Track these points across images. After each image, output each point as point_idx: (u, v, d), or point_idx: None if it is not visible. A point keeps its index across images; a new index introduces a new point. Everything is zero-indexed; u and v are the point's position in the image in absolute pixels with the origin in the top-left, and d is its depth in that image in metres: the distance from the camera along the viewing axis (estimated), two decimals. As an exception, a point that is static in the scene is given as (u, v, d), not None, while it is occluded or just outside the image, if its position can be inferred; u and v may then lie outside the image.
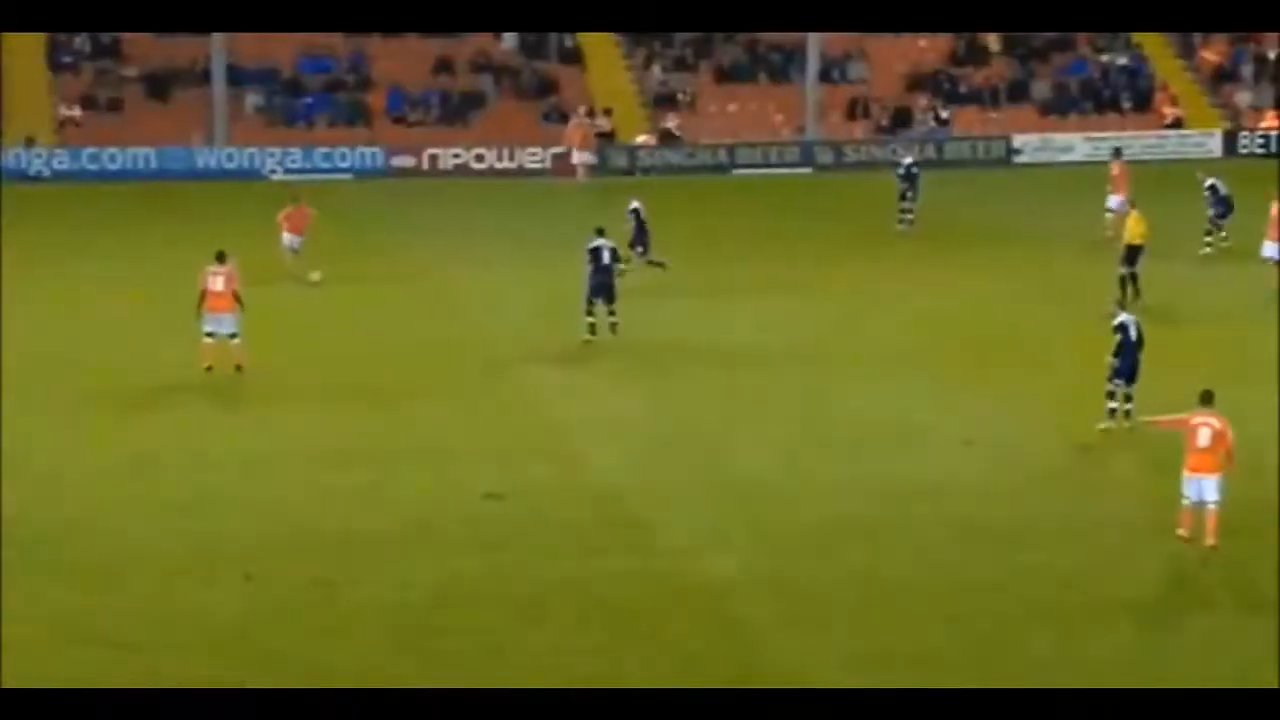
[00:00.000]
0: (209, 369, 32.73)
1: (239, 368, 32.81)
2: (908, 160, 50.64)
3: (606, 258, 35.55)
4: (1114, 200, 47.68)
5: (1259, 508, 24.88)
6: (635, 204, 42.12)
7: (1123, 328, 29.06)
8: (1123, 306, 30.09)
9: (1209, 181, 45.37)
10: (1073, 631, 21.11)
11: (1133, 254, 38.90)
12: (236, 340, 32.85)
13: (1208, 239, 44.53)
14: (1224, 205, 44.68)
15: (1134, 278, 38.46)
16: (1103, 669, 19.91)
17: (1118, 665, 20.15)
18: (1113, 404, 28.97)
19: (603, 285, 35.36)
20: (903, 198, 49.31)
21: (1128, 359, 28.85)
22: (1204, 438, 23.52)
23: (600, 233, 36.20)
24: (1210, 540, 23.36)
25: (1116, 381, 28.80)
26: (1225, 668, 19.97)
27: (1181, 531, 23.58)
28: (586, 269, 35.53)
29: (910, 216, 49.13)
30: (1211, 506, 23.44)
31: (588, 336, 35.28)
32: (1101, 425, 28.87)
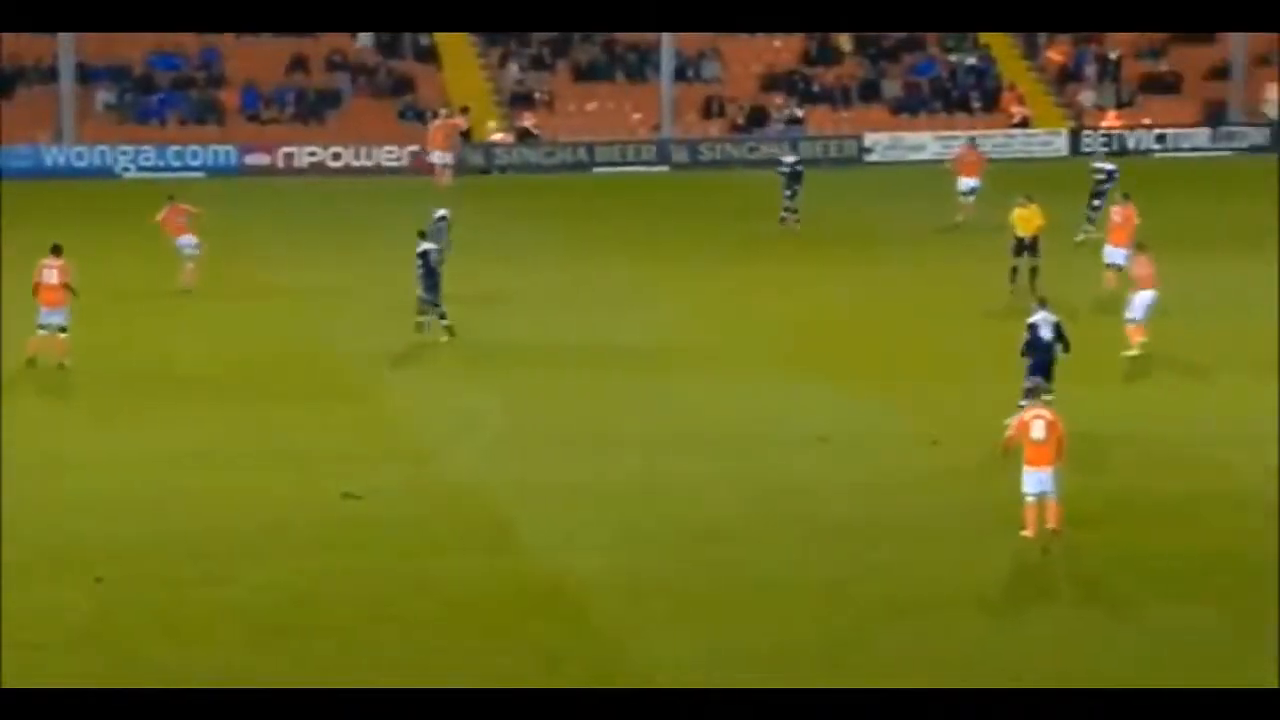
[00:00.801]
0: (31, 362, 32.74)
1: (62, 365, 32.83)
2: (791, 159, 51.18)
3: (434, 259, 35.88)
4: (965, 183, 49.13)
5: (1098, 501, 25.51)
6: (442, 212, 41.38)
7: (1033, 326, 29.26)
8: (1044, 303, 29.91)
9: (1104, 166, 45.98)
10: (926, 627, 21.53)
11: (1022, 246, 39.32)
12: (64, 335, 32.94)
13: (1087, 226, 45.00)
14: (1102, 190, 45.32)
15: (1034, 272, 38.79)
16: (953, 664, 20.35)
17: (968, 660, 20.57)
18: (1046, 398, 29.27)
19: (433, 287, 35.71)
20: (787, 196, 49.76)
21: (1040, 357, 28.88)
22: (1039, 430, 24.09)
23: (423, 236, 36.75)
24: (1052, 525, 23.93)
25: (1034, 379, 28.14)
26: (1071, 660, 20.49)
27: (1026, 532, 24.07)
28: (417, 272, 35.79)
29: (795, 215, 49.56)
30: (1047, 498, 24.01)
31: (424, 335, 35.54)
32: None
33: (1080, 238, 43.95)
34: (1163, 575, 23.11)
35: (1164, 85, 69.70)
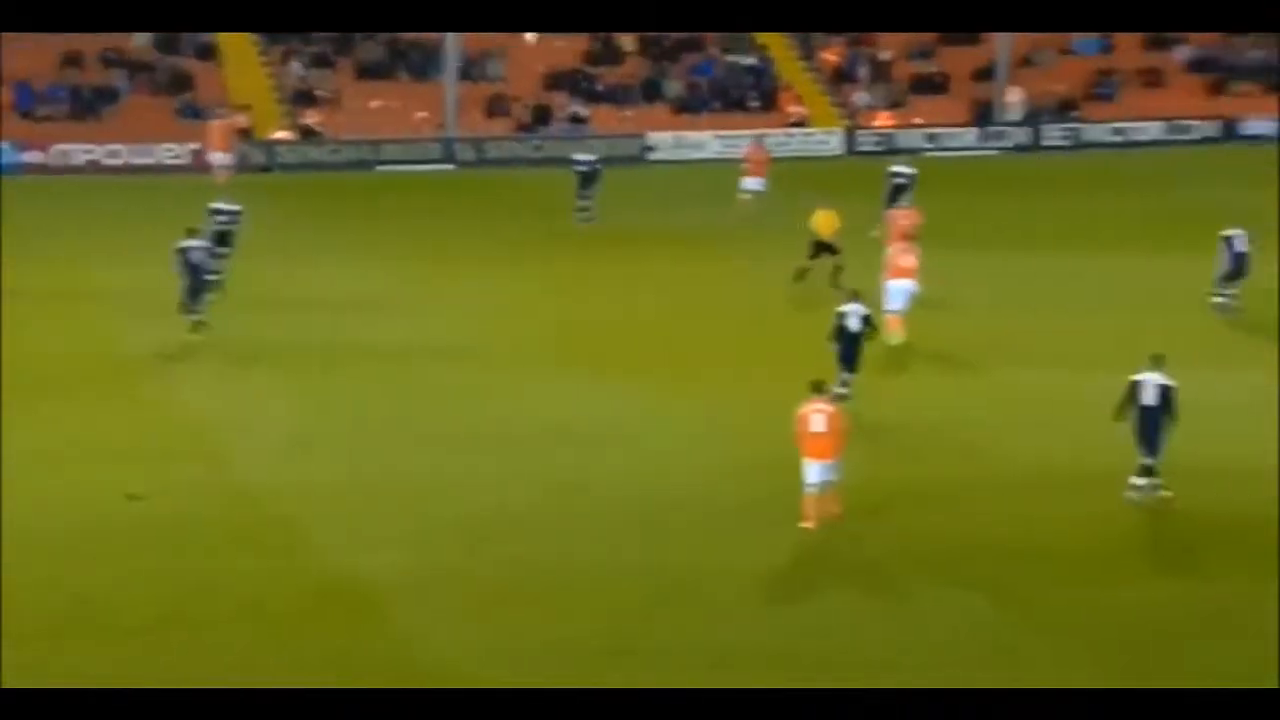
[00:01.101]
0: None
1: None
2: (589, 158, 51.74)
3: (196, 257, 35.91)
4: (750, 182, 50.51)
5: (878, 489, 26.30)
6: (232, 208, 41.44)
7: (842, 315, 30.26)
8: (856, 296, 30.85)
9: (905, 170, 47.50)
10: (706, 617, 22.04)
11: (820, 247, 40.14)
12: None
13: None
14: (898, 192, 46.55)
15: (837, 269, 39.37)
16: (734, 651, 20.92)
17: (748, 646, 21.14)
18: (841, 390, 29.82)
19: (195, 287, 35.72)
20: (581, 195, 50.16)
21: (847, 347, 29.98)
22: (818, 423, 24.80)
23: (192, 233, 36.71)
24: (835, 509, 24.76)
25: (843, 372, 29.95)
26: (843, 646, 21.22)
27: (806, 524, 24.80)
28: (179, 269, 35.77)
29: (590, 214, 50.04)
30: (828, 488, 24.80)
31: (193, 336, 35.55)
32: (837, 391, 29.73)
33: (876, 233, 45.31)
34: (936, 561, 23.87)
35: (933, 86, 71.51)
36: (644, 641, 21.37)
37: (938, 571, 23.58)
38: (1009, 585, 23.05)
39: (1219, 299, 37.51)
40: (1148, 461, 25.74)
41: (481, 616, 22.06)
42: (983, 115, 69.87)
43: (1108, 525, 25.04)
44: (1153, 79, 71.84)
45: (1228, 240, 37.65)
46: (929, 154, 65.11)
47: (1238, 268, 37.35)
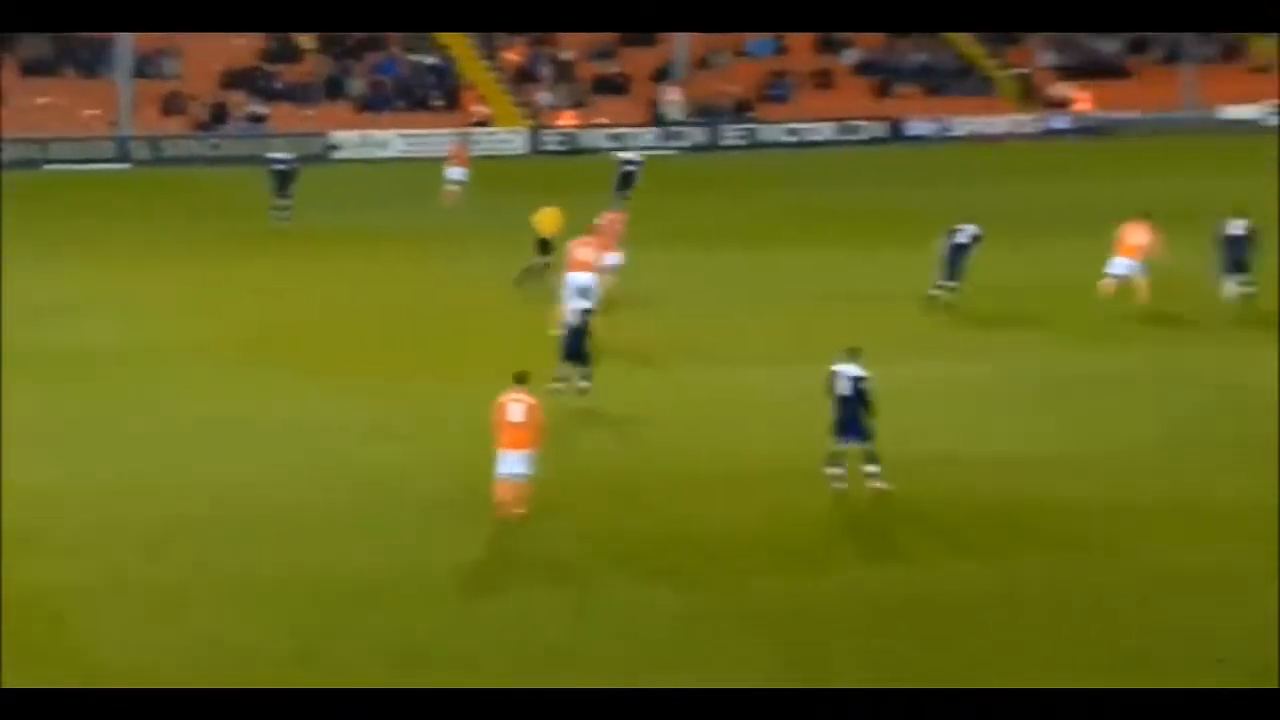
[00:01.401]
0: None
1: None
2: (287, 156, 51.25)
3: None
4: (455, 172, 51.71)
5: (569, 486, 26.26)
6: None
7: (573, 311, 31.23)
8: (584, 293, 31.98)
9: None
10: (399, 615, 21.88)
11: (546, 245, 40.42)
12: None
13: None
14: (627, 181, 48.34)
15: (547, 267, 39.69)
16: (421, 652, 20.81)
17: (437, 646, 21.01)
18: (557, 385, 30.31)
19: None
20: (279, 194, 49.64)
21: (572, 342, 30.62)
22: (516, 413, 24.82)
23: None
24: (520, 509, 24.83)
25: (569, 366, 30.62)
26: (532, 640, 21.22)
27: (501, 514, 24.79)
28: None
29: (287, 214, 49.54)
30: (520, 480, 24.81)
31: None
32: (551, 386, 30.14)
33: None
34: (627, 556, 24.00)
35: (614, 86, 72.57)
36: (330, 644, 21.10)
37: (629, 567, 23.71)
38: (701, 578, 23.27)
39: (936, 292, 38.65)
40: (839, 447, 26.37)
41: (163, 623, 21.59)
42: (660, 115, 71.21)
43: (799, 516, 25.37)
44: (823, 81, 74.01)
45: (950, 234, 38.93)
46: (613, 154, 66.08)
47: (956, 261, 38.60)
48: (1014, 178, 60.10)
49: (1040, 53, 76.46)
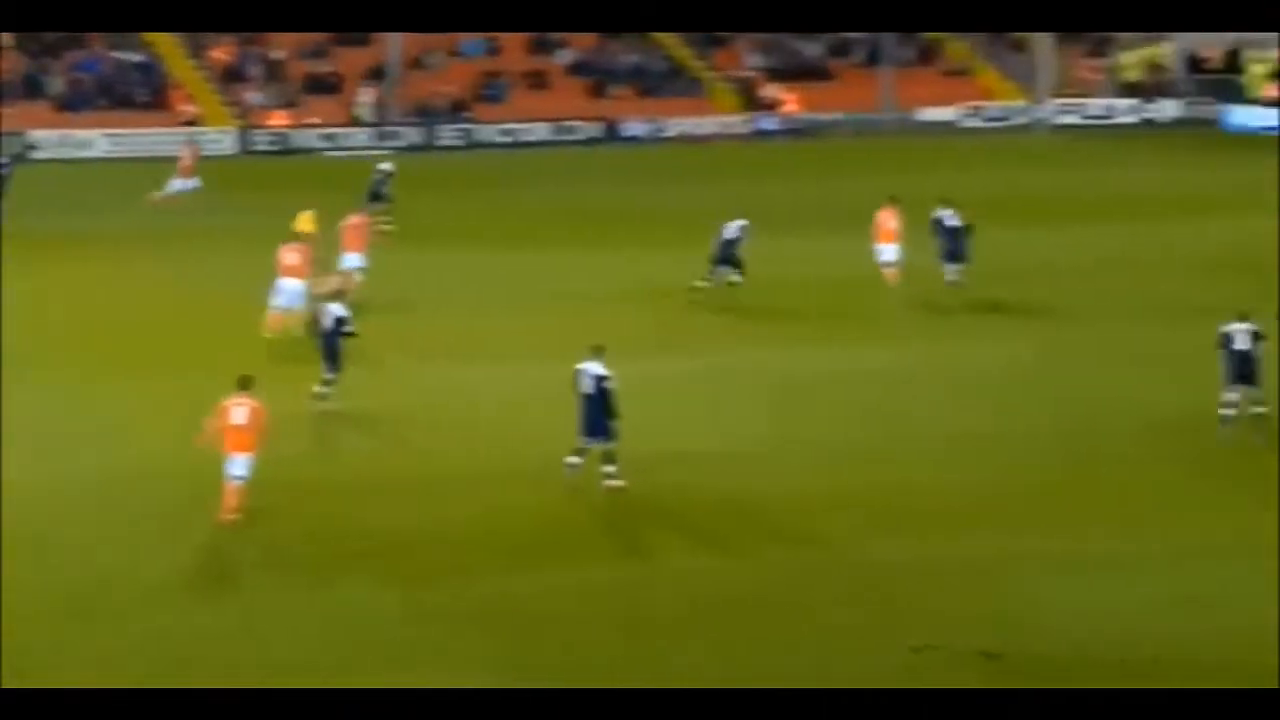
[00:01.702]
0: None
1: None
2: (2, 160, 49.88)
3: None
4: (180, 183, 51.36)
5: (293, 487, 26.01)
6: None
7: (321, 313, 31.13)
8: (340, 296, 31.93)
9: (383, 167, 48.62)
10: (112, 623, 21.45)
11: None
12: None
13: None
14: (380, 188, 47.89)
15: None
16: (136, 658, 20.47)
17: (152, 653, 20.69)
18: (321, 389, 30.37)
19: None
20: None
21: (326, 342, 30.57)
22: (239, 416, 24.78)
23: None
24: (234, 514, 24.53)
25: (326, 374, 30.59)
26: (250, 644, 21.02)
27: (228, 516, 24.54)
28: None
29: None
30: (237, 482, 24.63)
31: None
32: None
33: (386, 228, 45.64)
34: (354, 557, 23.78)
35: (326, 86, 71.85)
36: (41, 654, 20.55)
37: (353, 568, 23.48)
38: (427, 578, 23.12)
39: (704, 283, 38.98)
40: (584, 445, 26.33)
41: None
42: (377, 116, 70.73)
43: (529, 515, 25.37)
44: (538, 82, 74.22)
45: (722, 229, 39.37)
46: (326, 154, 65.47)
47: (726, 255, 38.98)
48: (726, 177, 60.98)
49: (747, 55, 77.73)
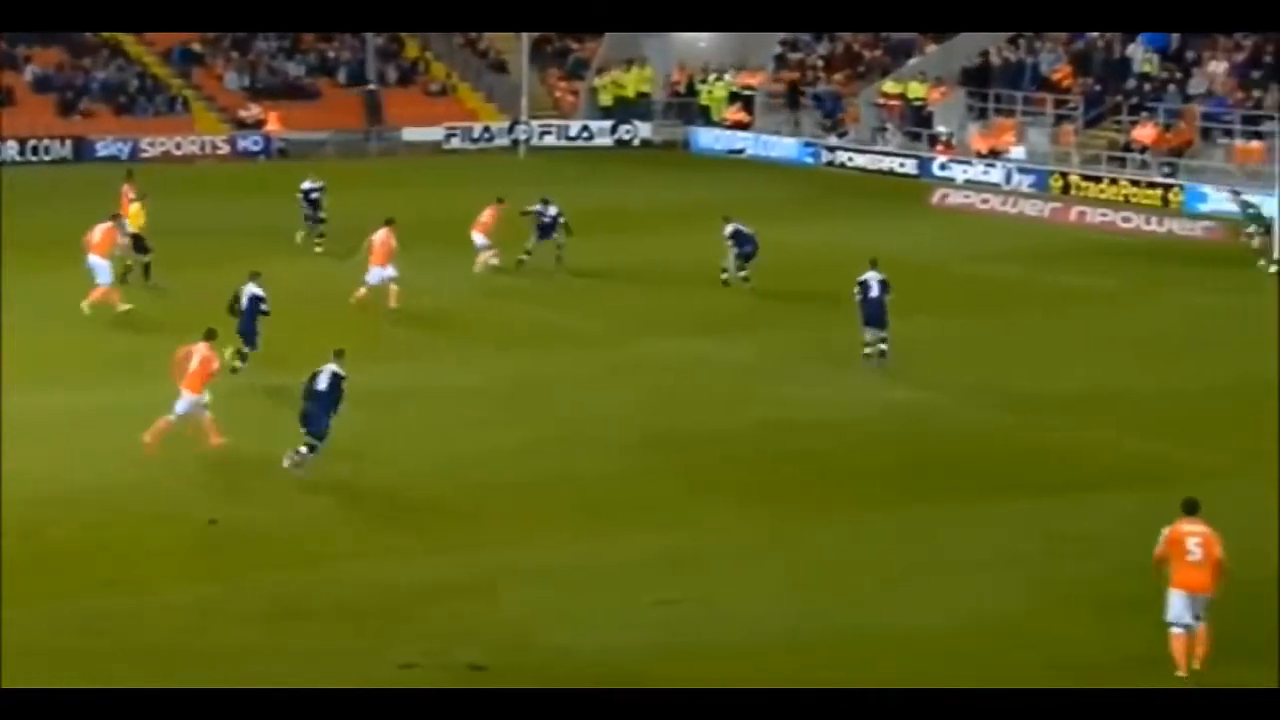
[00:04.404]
0: None
1: None
2: None
3: None
4: None
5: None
6: None
7: (239, 295, 34.12)
8: (255, 275, 34.65)
9: None
10: None
11: (140, 242, 42.22)
12: None
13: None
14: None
15: (147, 268, 42.37)
16: None
17: None
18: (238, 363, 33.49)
19: None
20: None
21: (245, 324, 33.76)
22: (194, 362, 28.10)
23: None
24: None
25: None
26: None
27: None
28: None
29: None
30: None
31: None
32: None
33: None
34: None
35: None
36: None
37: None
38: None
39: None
40: (312, 440, 28.24)
41: None
42: None
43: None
44: (4, 98, 71.39)
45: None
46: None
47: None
48: (204, 197, 60.15)
49: (228, 74, 76.64)
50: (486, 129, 76.96)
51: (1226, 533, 20.59)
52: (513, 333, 39.66)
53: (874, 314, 35.81)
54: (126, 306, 39.89)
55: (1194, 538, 20.19)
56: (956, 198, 62.20)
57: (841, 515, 27.15)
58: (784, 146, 73.12)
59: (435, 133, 76.04)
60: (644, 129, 78.25)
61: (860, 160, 70.08)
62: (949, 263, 48.94)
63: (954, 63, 72.53)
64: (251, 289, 33.99)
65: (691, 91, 79.02)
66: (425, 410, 32.92)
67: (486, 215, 45.35)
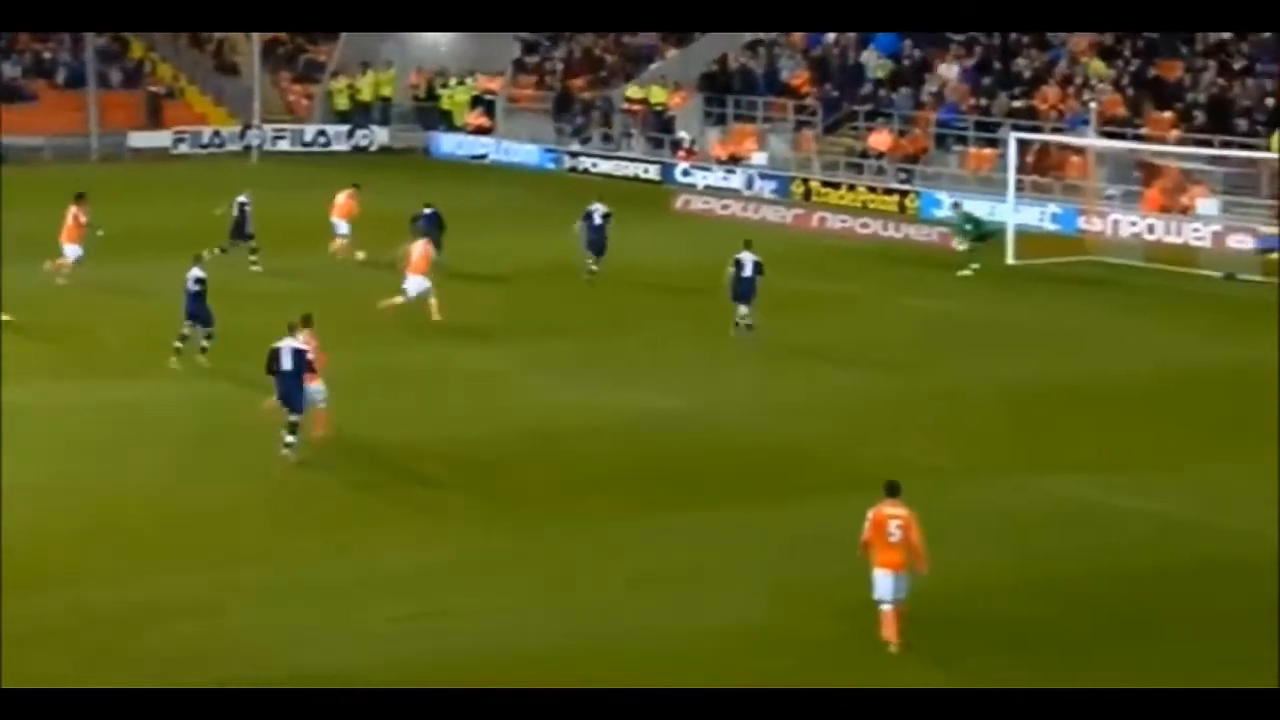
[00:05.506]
0: None
1: None
2: None
3: None
4: None
5: None
6: None
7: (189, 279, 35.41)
8: (198, 259, 36.43)
9: None
10: None
11: None
12: None
13: None
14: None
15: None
16: None
17: None
18: (205, 343, 35.41)
19: None
20: None
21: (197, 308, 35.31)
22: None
23: None
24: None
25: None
26: None
27: None
28: None
29: None
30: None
31: None
32: None
33: None
34: None
35: None
36: None
37: None
38: None
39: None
40: (294, 419, 29.02)
41: None
42: None
43: None
44: None
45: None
46: None
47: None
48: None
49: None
50: (217, 133, 75.14)
51: (950, 531, 21.16)
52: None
53: (744, 291, 38.93)
54: None
55: (895, 520, 21.42)
56: (698, 203, 62.26)
57: (587, 524, 26.82)
58: (526, 152, 72.64)
59: (163, 137, 74.00)
60: (382, 134, 77.06)
61: (604, 166, 69.84)
62: (692, 269, 48.88)
63: (693, 68, 72.71)
64: (196, 272, 35.68)
65: (432, 96, 78.05)
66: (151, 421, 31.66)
67: (344, 199, 48.27)
